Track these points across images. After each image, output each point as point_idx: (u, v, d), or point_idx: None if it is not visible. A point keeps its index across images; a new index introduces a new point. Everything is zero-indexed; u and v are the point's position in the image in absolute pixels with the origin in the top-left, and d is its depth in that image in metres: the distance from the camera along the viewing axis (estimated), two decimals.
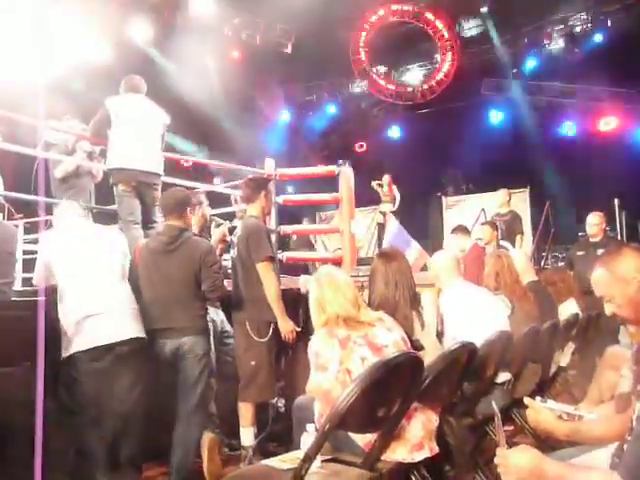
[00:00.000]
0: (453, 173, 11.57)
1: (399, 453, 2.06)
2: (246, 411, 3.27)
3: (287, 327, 3.28)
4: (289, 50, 10.89)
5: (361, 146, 12.55)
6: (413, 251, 5.82)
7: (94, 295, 2.79)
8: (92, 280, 2.82)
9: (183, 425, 3.00)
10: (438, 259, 3.09)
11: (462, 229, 5.17)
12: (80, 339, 2.71)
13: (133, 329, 2.85)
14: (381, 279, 2.66)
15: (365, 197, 8.39)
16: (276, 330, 3.31)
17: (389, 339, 2.17)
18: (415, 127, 12.11)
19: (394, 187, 9.13)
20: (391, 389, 1.77)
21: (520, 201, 9.54)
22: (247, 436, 3.25)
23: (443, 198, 10.90)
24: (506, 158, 10.41)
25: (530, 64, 10.90)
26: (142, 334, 2.90)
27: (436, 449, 2.14)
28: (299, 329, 3.37)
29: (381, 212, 9.00)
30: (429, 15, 11.03)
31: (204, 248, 3.10)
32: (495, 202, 6.88)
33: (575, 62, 10.14)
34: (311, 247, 7.63)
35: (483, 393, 2.67)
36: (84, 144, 4.55)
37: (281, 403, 3.89)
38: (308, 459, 1.67)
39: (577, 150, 10.52)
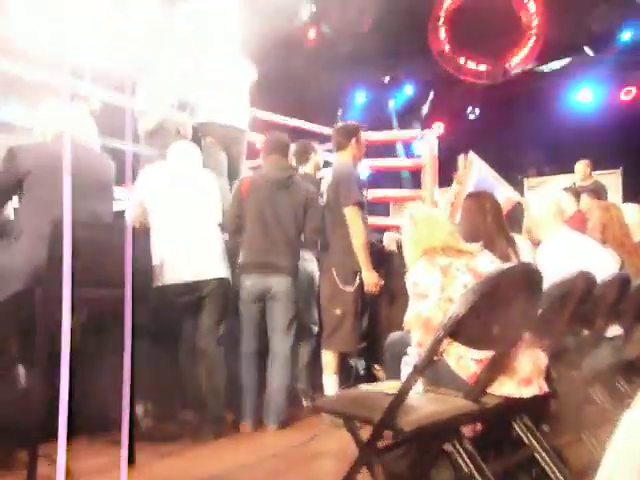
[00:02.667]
0: (535, 154, 11.04)
1: (506, 387, 1.91)
2: (329, 360, 3.21)
3: (371, 277, 3.19)
4: (365, 29, 10.71)
5: (439, 127, 12.21)
6: (499, 197, 5.53)
7: (182, 232, 2.87)
8: (182, 218, 2.88)
9: (275, 371, 3.01)
10: (539, 204, 2.86)
11: (573, 190, 4.81)
12: (165, 273, 2.80)
13: (217, 270, 2.90)
14: (474, 215, 2.52)
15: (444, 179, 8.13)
16: (362, 282, 3.22)
17: (493, 268, 2.02)
18: (496, 107, 11.61)
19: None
20: (508, 303, 1.63)
21: (612, 184, 8.94)
22: (330, 384, 3.20)
23: (525, 180, 10.42)
24: (595, 139, 9.80)
25: (625, 36, 10.16)
26: (225, 274, 2.94)
27: (545, 388, 1.97)
28: (382, 282, 3.26)
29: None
30: None
31: (311, 189, 3.20)
32: (576, 176, 6.47)
33: None
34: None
35: (593, 343, 2.46)
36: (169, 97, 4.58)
37: (361, 365, 3.80)
38: (417, 372, 1.55)
39: None
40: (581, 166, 6.17)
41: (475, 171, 6.19)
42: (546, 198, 2.88)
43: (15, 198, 2.50)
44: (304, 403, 3.48)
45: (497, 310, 1.61)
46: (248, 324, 3.06)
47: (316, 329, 3.51)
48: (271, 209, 3.06)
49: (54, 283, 2.24)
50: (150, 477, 2.35)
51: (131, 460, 2.36)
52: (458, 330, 1.51)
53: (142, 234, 2.61)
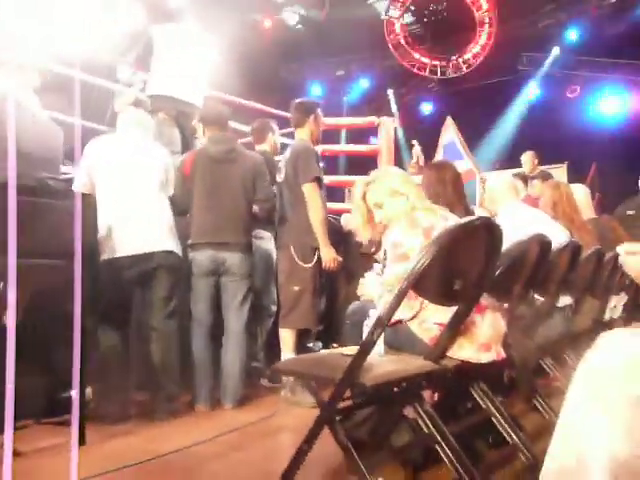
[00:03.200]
0: (487, 149, 11.31)
1: (466, 351, 1.91)
2: (287, 338, 3.16)
3: (329, 254, 3.16)
4: (322, 20, 10.71)
5: (393, 122, 12.32)
6: (463, 165, 5.64)
7: (127, 203, 2.75)
8: (128, 188, 2.77)
9: (230, 348, 2.95)
10: (495, 180, 2.93)
11: (521, 177, 4.92)
12: (111, 246, 2.69)
13: (166, 242, 2.81)
14: (435, 184, 2.54)
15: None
16: (320, 258, 3.19)
17: None
18: (449, 103, 11.84)
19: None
20: (468, 257, 1.63)
21: (558, 178, 9.24)
22: None
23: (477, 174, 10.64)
24: (541, 134, 10.12)
25: (571, 36, 10.53)
26: (175, 248, 2.84)
27: (502, 354, 1.99)
28: (340, 259, 3.25)
29: None
30: None
31: (259, 159, 3.12)
32: (524, 167, 6.65)
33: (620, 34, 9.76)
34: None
35: (546, 311, 2.51)
36: (141, 75, 4.44)
37: (318, 347, 3.77)
38: (380, 324, 1.53)
39: (620, 127, 10.17)
40: (527, 157, 6.35)
41: (449, 134, 6.27)
42: (501, 175, 2.94)
43: None
44: (262, 382, 3.44)
45: (458, 263, 1.61)
46: (201, 300, 2.99)
47: (274, 308, 3.47)
48: (217, 184, 2.99)
49: None
50: (102, 456, 2.25)
51: (82, 441, 2.26)
52: (421, 282, 1.50)
53: (88, 205, 2.51)
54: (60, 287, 2.27)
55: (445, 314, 1.87)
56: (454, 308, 1.83)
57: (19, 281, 1.83)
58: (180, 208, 3.05)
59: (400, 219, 2.04)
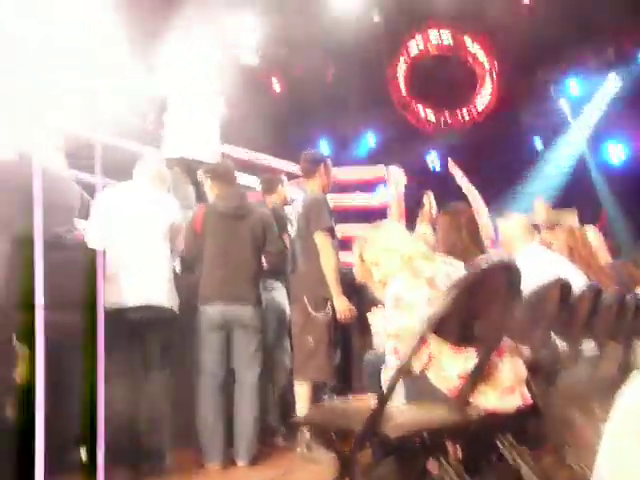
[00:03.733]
0: (495, 198, 11.36)
1: (490, 398, 1.84)
2: (302, 391, 3.09)
3: (342, 304, 3.13)
4: (329, 79, 11.06)
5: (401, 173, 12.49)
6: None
7: (129, 253, 2.73)
8: (131, 239, 2.76)
9: (244, 402, 2.88)
10: (509, 221, 2.89)
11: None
12: (111, 295, 2.61)
13: (161, 296, 2.76)
14: (450, 230, 2.52)
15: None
16: (334, 309, 3.15)
17: None
18: (455, 154, 12.01)
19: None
20: (488, 299, 1.60)
21: (569, 222, 9.21)
22: None
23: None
24: (550, 184, 10.21)
25: (572, 88, 10.77)
26: (168, 303, 2.79)
27: (528, 398, 1.91)
28: (354, 309, 3.20)
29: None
30: (467, 39, 11.10)
31: (267, 212, 3.18)
32: (536, 215, 6.63)
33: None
34: None
35: (571, 358, 2.43)
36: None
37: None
38: (399, 372, 1.48)
39: (626, 173, 10.25)
40: (540, 204, 6.35)
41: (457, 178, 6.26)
42: (517, 216, 2.92)
43: None
44: (276, 440, 3.33)
45: (479, 305, 1.58)
46: (210, 353, 2.93)
47: (288, 362, 3.39)
48: (227, 239, 3.01)
49: (10, 304, 2.13)
50: None
51: None
52: (441, 326, 1.46)
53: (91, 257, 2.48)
54: (71, 339, 2.27)
55: (463, 363, 1.82)
56: (470, 356, 1.78)
57: (31, 332, 1.81)
58: (190, 263, 3.05)
59: (396, 274, 2.01)
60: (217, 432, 2.84)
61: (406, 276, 1.96)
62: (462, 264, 2.02)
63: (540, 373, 2.29)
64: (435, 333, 1.49)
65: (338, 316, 3.13)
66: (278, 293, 3.50)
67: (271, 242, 3.10)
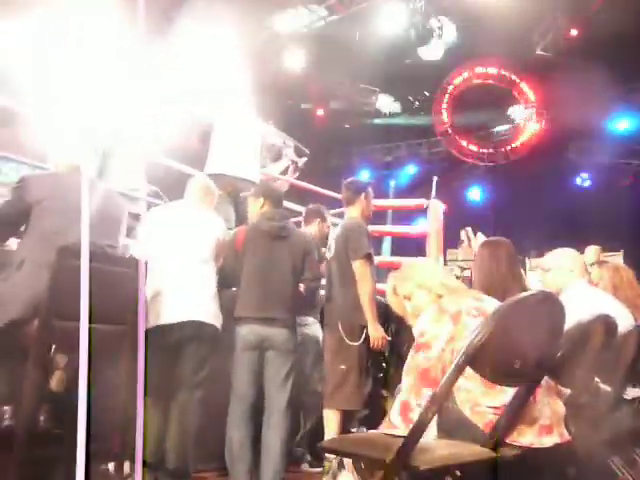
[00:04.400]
0: (536, 235, 11.15)
1: (526, 436, 1.78)
2: (332, 419, 3.04)
3: (377, 333, 3.10)
4: (373, 109, 11.18)
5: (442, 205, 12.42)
6: None
7: (174, 271, 2.77)
8: (176, 256, 2.81)
9: (272, 426, 2.85)
10: (560, 256, 2.78)
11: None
12: (153, 313, 2.68)
13: (204, 313, 2.78)
14: (488, 263, 2.47)
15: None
16: (368, 337, 3.12)
17: None
18: (496, 190, 11.90)
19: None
20: (529, 334, 1.55)
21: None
22: None
23: (527, 260, 10.44)
24: (594, 222, 9.95)
25: (621, 125, 10.55)
26: (213, 320, 2.81)
27: (567, 436, 1.83)
28: (389, 338, 3.17)
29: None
30: (515, 77, 11.06)
31: (308, 237, 3.23)
32: (587, 260, 6.43)
33: None
34: None
35: (614, 401, 2.32)
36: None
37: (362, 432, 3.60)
38: (434, 403, 1.45)
39: None
40: (593, 251, 6.12)
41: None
42: (564, 251, 2.82)
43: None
44: (302, 467, 3.28)
45: (518, 340, 1.53)
46: (243, 374, 2.92)
47: (320, 388, 3.36)
48: (268, 260, 3.01)
49: (52, 314, 2.19)
50: None
51: None
52: (478, 358, 1.42)
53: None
54: (113, 353, 2.30)
55: (497, 397, 1.77)
56: (505, 390, 1.74)
57: (73, 346, 1.84)
58: (228, 281, 3.07)
59: (425, 309, 2.05)
60: (243, 455, 2.81)
61: (432, 312, 1.98)
62: (495, 301, 1.99)
63: (581, 417, 2.20)
64: (471, 365, 1.45)
65: (372, 344, 3.09)
66: (311, 328, 3.50)
67: (309, 268, 3.09)
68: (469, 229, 7.54)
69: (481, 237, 5.80)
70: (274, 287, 2.98)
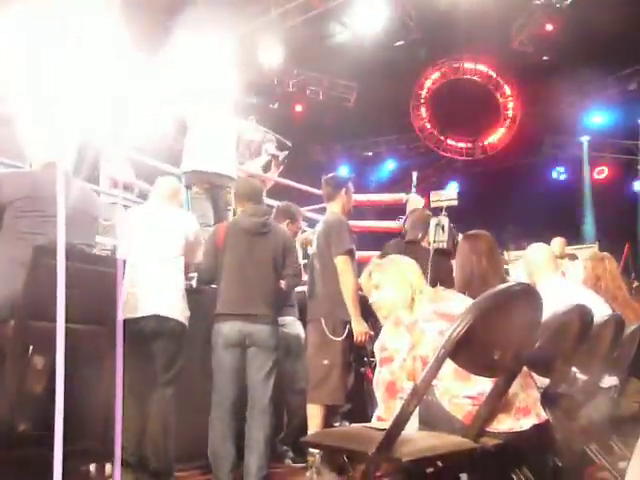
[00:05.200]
0: (514, 229, 11.30)
1: (505, 422, 1.81)
2: (315, 414, 3.05)
3: (361, 327, 3.11)
4: (351, 104, 11.18)
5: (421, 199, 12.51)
6: None
7: (144, 267, 2.79)
8: (146, 253, 2.82)
9: (255, 424, 2.84)
10: (535, 252, 2.85)
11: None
12: (126, 308, 2.63)
13: (169, 308, 2.80)
14: (468, 256, 2.51)
15: None
16: (351, 332, 3.13)
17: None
18: (474, 184, 12.02)
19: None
20: (507, 326, 1.57)
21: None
22: None
23: (505, 253, 10.58)
24: (570, 215, 10.13)
25: (595, 120, 10.74)
26: (180, 317, 2.84)
27: (544, 416, 1.87)
28: (372, 333, 3.18)
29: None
30: (491, 72, 11.18)
31: (288, 234, 3.18)
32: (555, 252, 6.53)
33: None
34: None
35: (591, 390, 2.37)
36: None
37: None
38: (415, 395, 1.46)
39: None
40: (558, 243, 6.21)
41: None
42: (542, 246, 2.88)
43: None
44: (286, 463, 3.28)
45: (497, 332, 1.55)
46: (224, 371, 2.90)
47: (303, 384, 3.36)
48: (248, 257, 2.99)
49: (29, 315, 2.15)
50: None
51: None
52: (458, 350, 1.44)
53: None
54: (92, 352, 2.27)
55: (473, 386, 1.80)
56: (479, 380, 1.77)
57: (51, 346, 1.81)
58: (207, 278, 3.07)
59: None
60: (226, 452, 2.81)
61: (389, 326, 2.02)
62: (464, 298, 2.04)
63: (559, 406, 2.24)
64: (452, 358, 1.46)
65: (355, 339, 3.11)
66: (290, 327, 3.48)
67: (290, 264, 3.08)
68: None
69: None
70: (255, 283, 2.97)
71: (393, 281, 2.15)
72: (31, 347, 2.16)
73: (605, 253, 3.77)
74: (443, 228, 3.36)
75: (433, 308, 1.98)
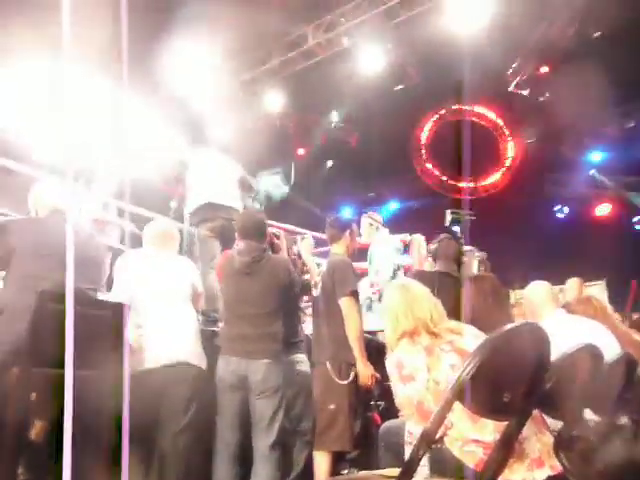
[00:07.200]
0: (518, 268, 11.24)
1: (518, 472, 1.76)
2: (322, 462, 2.98)
3: (366, 371, 3.07)
4: (352, 145, 11.35)
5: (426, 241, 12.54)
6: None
7: (153, 316, 2.74)
8: (154, 301, 2.77)
9: (258, 471, 2.77)
10: (533, 289, 2.84)
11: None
12: (136, 358, 2.63)
13: (189, 355, 2.76)
14: (474, 297, 2.49)
15: None
16: (357, 375, 3.09)
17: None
18: (478, 222, 12.04)
19: None
20: (516, 366, 1.54)
21: (598, 293, 9.04)
22: None
23: (511, 292, 10.50)
24: (574, 252, 10.09)
25: (596, 157, 10.84)
26: (199, 362, 2.80)
27: (559, 467, 1.81)
28: (378, 376, 3.13)
29: None
30: (490, 114, 11.38)
31: (286, 264, 3.16)
32: (568, 293, 6.48)
33: None
34: None
35: (605, 434, 2.30)
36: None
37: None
38: (424, 440, 1.42)
39: None
40: (575, 283, 6.15)
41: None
42: (539, 284, 2.88)
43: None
44: None
45: (506, 373, 1.52)
46: (224, 417, 2.84)
47: (308, 429, 3.28)
48: (240, 293, 2.98)
49: (32, 361, 2.13)
50: None
51: None
52: (467, 393, 1.41)
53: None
54: (94, 398, 2.24)
55: (486, 432, 1.76)
56: (490, 423, 1.73)
57: (54, 392, 1.78)
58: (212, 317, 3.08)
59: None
60: None
61: (405, 343, 2.01)
62: (474, 333, 2.02)
63: (574, 450, 2.17)
64: (460, 401, 1.43)
65: (360, 382, 3.05)
66: (304, 365, 3.40)
67: (296, 284, 3.15)
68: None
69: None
70: (252, 322, 2.92)
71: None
72: (34, 394, 2.13)
73: (591, 294, 3.73)
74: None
75: (450, 338, 1.98)
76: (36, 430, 2.09)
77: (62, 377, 1.44)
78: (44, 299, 2.11)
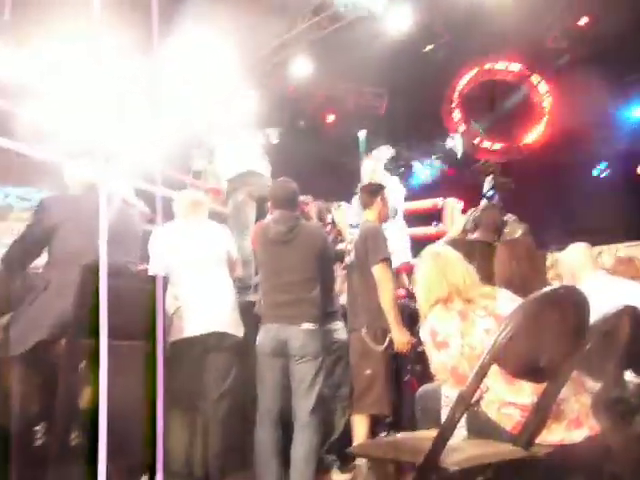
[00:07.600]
0: (555, 230, 11.02)
1: (556, 432, 1.77)
2: (360, 424, 3.04)
3: (401, 337, 3.08)
4: (382, 111, 11.15)
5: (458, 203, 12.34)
6: None
7: (189, 285, 2.81)
8: (190, 271, 2.84)
9: (298, 437, 2.84)
10: (571, 252, 2.78)
11: None
12: (176, 327, 2.72)
13: (227, 324, 2.82)
14: (507, 262, 2.46)
15: None
16: (392, 341, 3.11)
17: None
18: (513, 184, 11.78)
19: None
20: (554, 330, 1.53)
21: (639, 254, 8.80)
22: None
23: (548, 254, 10.30)
24: (614, 212, 9.80)
25: (637, 113, 10.40)
26: (236, 331, 2.86)
27: (597, 427, 1.82)
28: (414, 341, 3.14)
29: None
30: (525, 71, 10.99)
31: (321, 231, 3.23)
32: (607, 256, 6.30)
33: None
34: None
35: None
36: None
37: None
38: (461, 403, 1.44)
39: None
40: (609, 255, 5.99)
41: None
42: (578, 246, 2.81)
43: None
44: (332, 474, 3.26)
45: (544, 336, 1.52)
46: (264, 384, 2.91)
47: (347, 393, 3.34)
48: (277, 262, 3.01)
49: (79, 334, 2.22)
50: None
51: None
52: (504, 356, 1.41)
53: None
54: (136, 369, 2.32)
55: (524, 394, 1.77)
56: (527, 385, 1.73)
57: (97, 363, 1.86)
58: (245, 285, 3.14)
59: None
60: (271, 467, 2.80)
61: (439, 310, 2.02)
62: (510, 297, 2.01)
63: (613, 412, 2.16)
64: (498, 363, 1.44)
65: (396, 348, 3.08)
66: (341, 332, 3.43)
67: (330, 250, 3.20)
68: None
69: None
70: (290, 289, 2.96)
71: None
72: (83, 363, 2.23)
73: (631, 254, 3.62)
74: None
75: (484, 303, 1.98)
76: (86, 397, 2.18)
77: (110, 347, 1.51)
78: (88, 273, 2.18)
